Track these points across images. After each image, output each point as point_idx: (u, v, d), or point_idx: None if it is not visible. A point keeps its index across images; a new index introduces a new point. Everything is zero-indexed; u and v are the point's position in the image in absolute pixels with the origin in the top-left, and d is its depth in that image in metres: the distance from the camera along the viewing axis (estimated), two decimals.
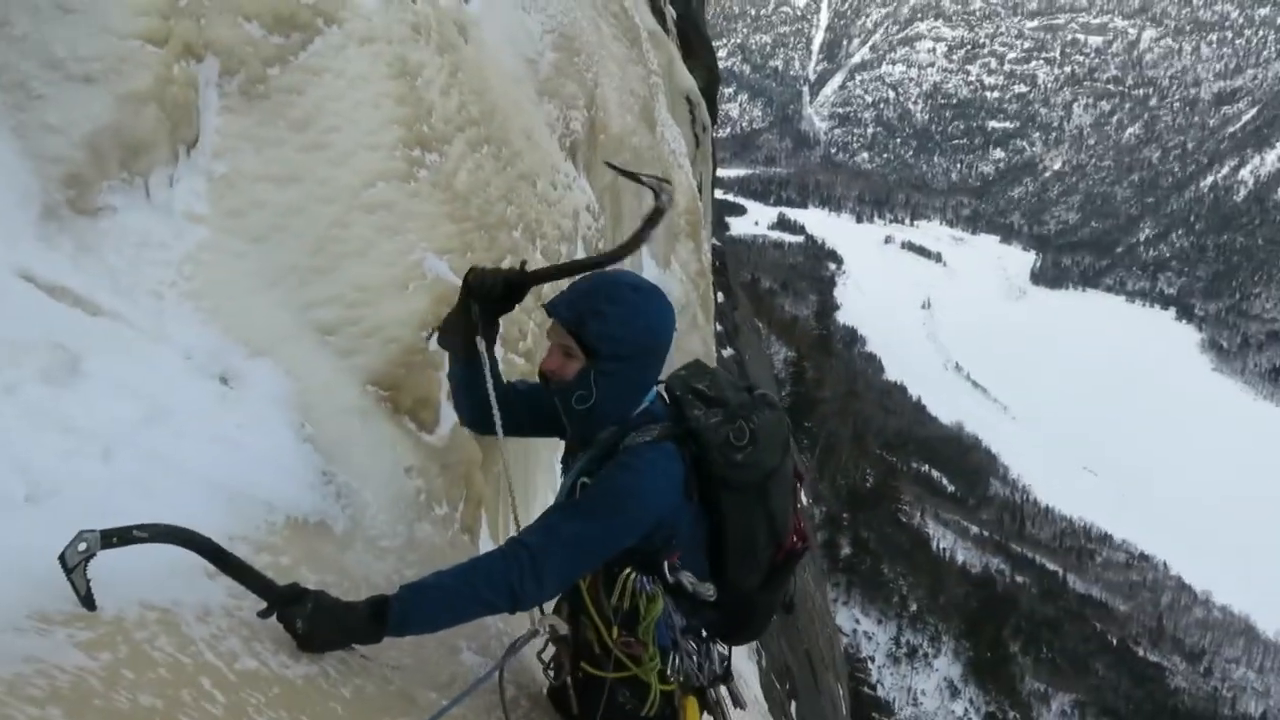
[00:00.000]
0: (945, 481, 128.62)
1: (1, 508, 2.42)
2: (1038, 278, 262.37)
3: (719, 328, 25.92)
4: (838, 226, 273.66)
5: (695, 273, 12.17)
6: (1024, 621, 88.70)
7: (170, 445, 2.97)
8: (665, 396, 2.98)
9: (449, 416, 4.24)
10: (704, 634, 3.11)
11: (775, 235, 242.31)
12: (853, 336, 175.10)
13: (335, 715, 2.37)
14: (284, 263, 3.79)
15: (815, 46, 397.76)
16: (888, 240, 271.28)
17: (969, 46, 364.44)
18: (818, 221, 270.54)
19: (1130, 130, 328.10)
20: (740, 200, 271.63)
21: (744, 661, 18.52)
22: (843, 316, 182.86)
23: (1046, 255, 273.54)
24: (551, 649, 3.11)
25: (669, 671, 2.97)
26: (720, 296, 27.70)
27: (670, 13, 19.27)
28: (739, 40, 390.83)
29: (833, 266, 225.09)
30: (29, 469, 2.56)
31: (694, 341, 11.98)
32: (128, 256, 3.41)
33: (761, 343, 62.75)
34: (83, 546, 2.16)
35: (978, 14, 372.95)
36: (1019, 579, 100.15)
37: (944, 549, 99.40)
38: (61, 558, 2.13)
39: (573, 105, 7.92)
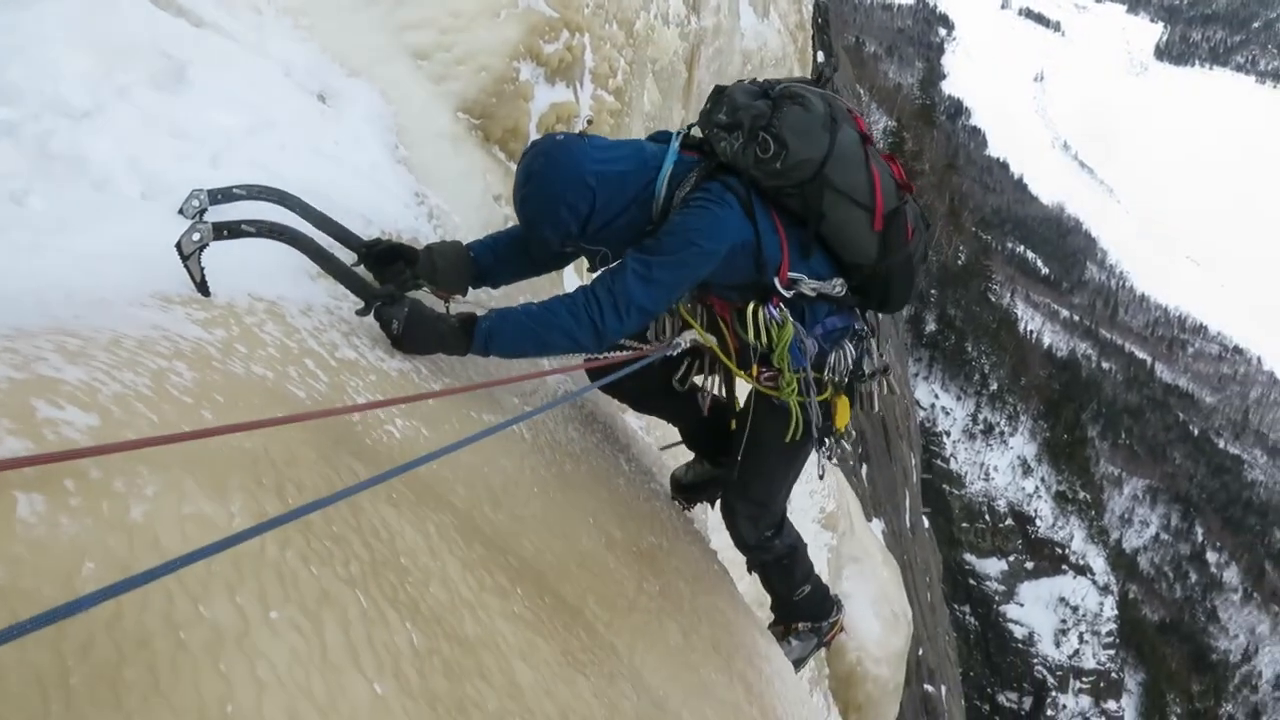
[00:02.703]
0: (1040, 263, 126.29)
1: (120, 202, 2.59)
2: (1162, 53, 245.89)
3: None
4: None
5: (794, 25, 11.74)
6: (1105, 407, 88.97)
7: (273, 156, 3.09)
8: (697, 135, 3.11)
9: None
10: (860, 332, 3.27)
11: None
12: (958, 108, 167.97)
13: (426, 405, 2.57)
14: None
15: None
16: (1004, 5, 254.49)
17: None
18: None
19: None
20: None
21: None
22: (949, 86, 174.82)
23: (1175, 28, 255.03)
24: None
25: (826, 374, 3.17)
26: (820, 56, 26.66)
27: None
28: None
29: (943, 32, 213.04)
30: (143, 168, 2.72)
31: None
32: None
33: (861, 109, 60.66)
34: (196, 236, 2.34)
35: None
36: (1105, 365, 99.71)
37: (1031, 331, 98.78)
38: (178, 245, 2.30)
39: None
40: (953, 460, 71.08)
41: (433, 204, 3.62)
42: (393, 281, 2.83)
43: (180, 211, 2.51)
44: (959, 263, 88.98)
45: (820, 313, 3.15)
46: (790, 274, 3.01)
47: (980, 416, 78.90)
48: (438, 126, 3.87)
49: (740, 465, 3.45)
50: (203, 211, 2.52)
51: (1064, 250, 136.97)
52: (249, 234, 2.50)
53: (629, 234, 2.94)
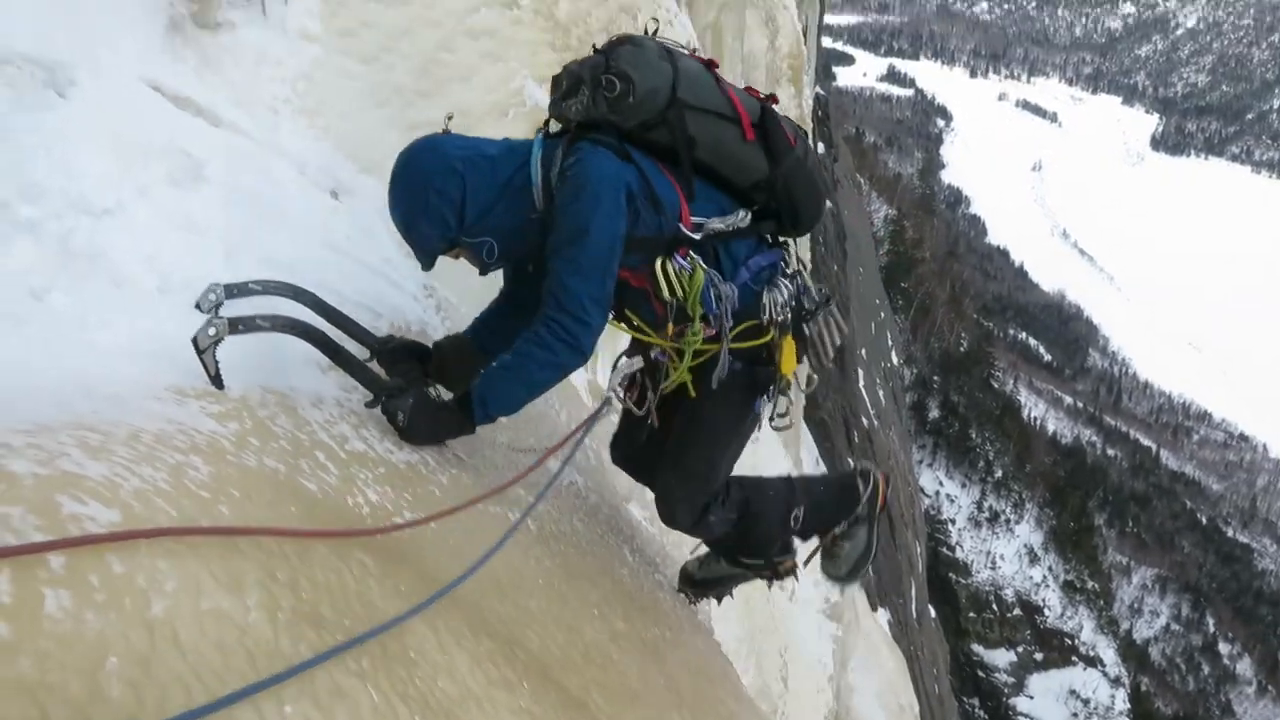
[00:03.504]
0: (1042, 350, 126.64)
1: (137, 296, 2.66)
2: (1159, 143, 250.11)
3: None
4: (950, 80, 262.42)
5: (795, 119, 11.98)
6: (1111, 494, 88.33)
7: (285, 250, 3.17)
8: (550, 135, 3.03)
9: None
10: (787, 269, 3.15)
11: (884, 88, 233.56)
12: (957, 197, 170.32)
13: (433, 497, 2.60)
14: (391, 84, 3.92)
15: None
16: (1001, 97, 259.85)
17: None
18: (929, 75, 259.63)
19: None
20: (849, 49, 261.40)
21: None
22: (948, 176, 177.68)
23: (1170, 119, 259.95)
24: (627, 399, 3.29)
25: (765, 315, 3.02)
26: (821, 147, 27.15)
27: None
28: None
29: (941, 123, 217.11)
30: (160, 264, 2.79)
31: None
32: (246, 71, 3.57)
33: (861, 198, 61.55)
34: (212, 331, 2.40)
35: None
36: (1110, 452, 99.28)
37: (1035, 418, 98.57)
38: (194, 340, 2.36)
39: None
40: (959, 548, 70.37)
41: (441, 296, 3.69)
42: (403, 378, 2.89)
43: (197, 305, 2.57)
44: (961, 349, 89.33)
45: (739, 252, 3.04)
46: (694, 218, 2.93)
47: (985, 504, 78.29)
48: None
49: (673, 436, 3.24)
50: (218, 305, 2.58)
51: (1066, 337, 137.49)
52: (263, 329, 2.56)
53: (512, 221, 2.88)
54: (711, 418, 3.19)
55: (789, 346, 3.08)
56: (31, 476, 1.38)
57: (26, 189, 2.77)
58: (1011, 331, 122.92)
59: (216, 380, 2.39)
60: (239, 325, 2.49)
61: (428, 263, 2.96)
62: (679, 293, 2.91)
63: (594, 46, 3.03)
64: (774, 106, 3.11)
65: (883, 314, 47.81)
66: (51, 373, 2.09)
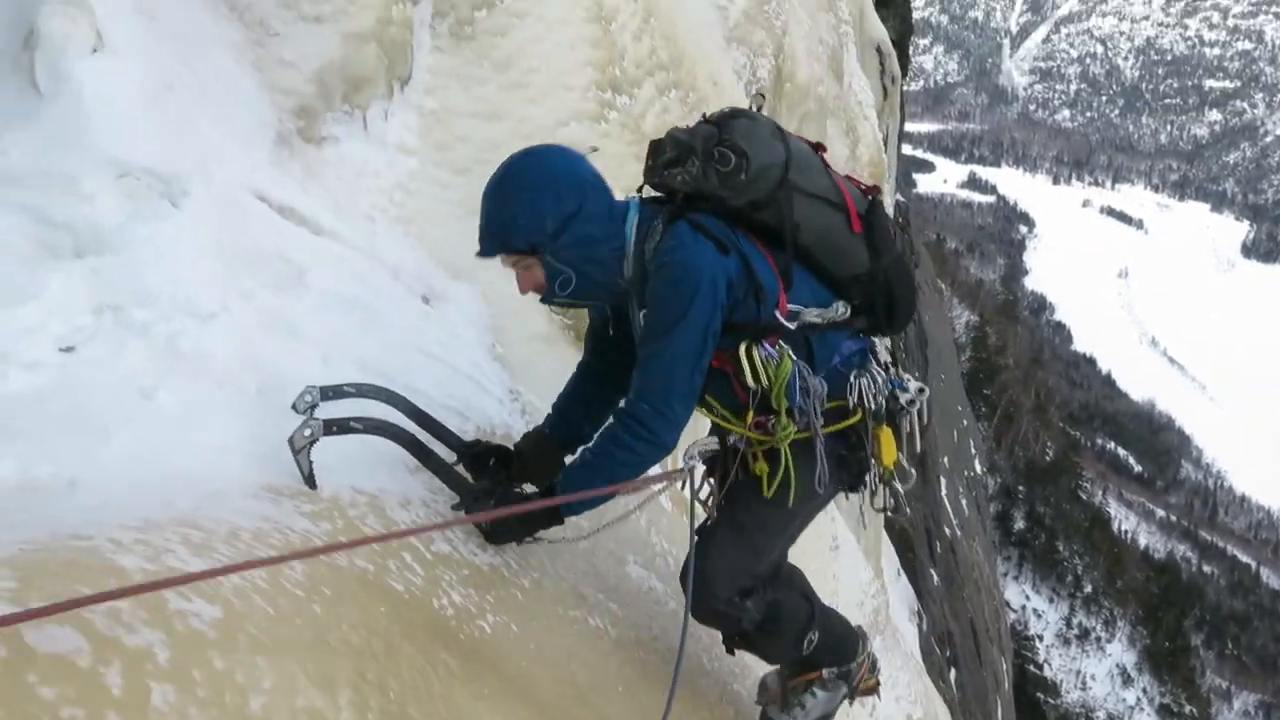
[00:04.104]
0: (1132, 461, 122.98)
1: (238, 397, 2.76)
2: (1249, 250, 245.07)
3: None
4: (1032, 187, 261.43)
5: None
6: (1209, 613, 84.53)
7: (379, 355, 3.28)
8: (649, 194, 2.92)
9: None
10: (878, 359, 3.06)
11: (964, 194, 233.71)
12: (1041, 303, 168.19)
13: (515, 600, 2.62)
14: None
15: None
16: (1085, 204, 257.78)
17: None
18: (1011, 181, 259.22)
19: None
20: (929, 156, 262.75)
21: (903, 622, 18.42)
22: (1031, 282, 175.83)
23: (1261, 226, 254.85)
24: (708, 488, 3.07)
25: (855, 399, 2.90)
26: None
27: None
28: None
29: (1024, 229, 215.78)
30: (261, 366, 2.90)
31: None
32: (347, 182, 3.74)
33: (943, 304, 61.19)
34: (308, 432, 2.49)
35: None
36: (1207, 568, 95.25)
37: (1126, 531, 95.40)
38: (290, 440, 2.45)
39: (760, 53, 7.99)
40: (1047, 666, 67.68)
41: (526, 400, 3.76)
42: (489, 481, 2.93)
43: (293, 407, 2.68)
44: (1047, 459, 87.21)
45: (833, 341, 2.92)
46: (790, 305, 2.80)
47: (1075, 620, 75.57)
48: (532, 327, 4.05)
49: (725, 511, 3.02)
50: (314, 407, 2.68)
51: (1157, 448, 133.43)
52: (356, 430, 2.64)
53: (599, 272, 2.76)
54: (778, 499, 2.95)
55: (887, 436, 2.96)
56: (140, 572, 1.44)
57: (139, 293, 2.92)
58: (1099, 441, 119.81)
59: (310, 480, 2.46)
60: (333, 427, 2.57)
61: (489, 250, 2.79)
62: (763, 381, 2.78)
63: (704, 115, 2.95)
64: (880, 198, 3.01)
65: (965, 421, 47.02)
66: (158, 469, 2.18)
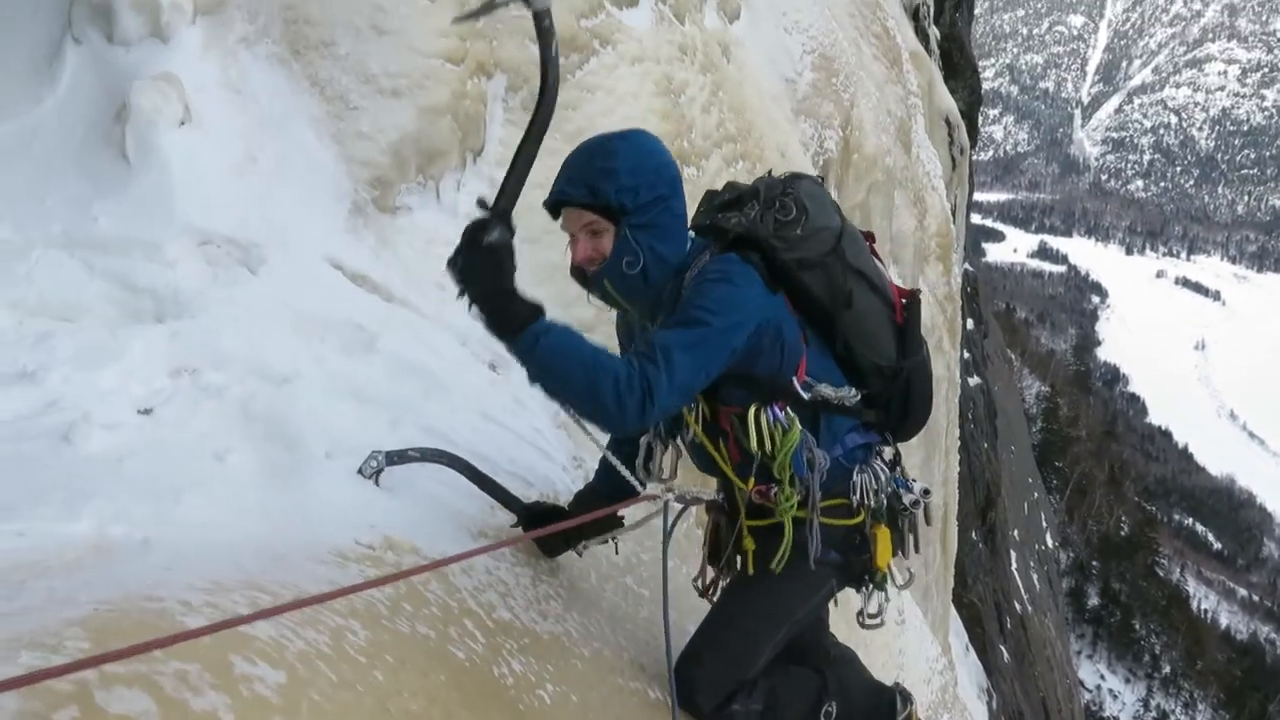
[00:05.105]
0: (1211, 537, 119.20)
1: (307, 460, 2.81)
2: None
3: (966, 355, 25.21)
4: (1104, 257, 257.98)
5: (943, 296, 11.98)
6: None
7: (446, 420, 3.32)
8: (698, 234, 2.77)
9: None
10: (883, 456, 2.89)
11: (1035, 264, 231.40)
12: (1114, 375, 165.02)
13: (575, 670, 2.61)
14: (551, 263, 4.11)
15: (1091, 68, 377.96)
16: (1160, 275, 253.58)
17: (1266, 70, 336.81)
18: (1082, 251, 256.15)
19: None
20: (999, 226, 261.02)
21: (972, 700, 17.91)
22: (1104, 353, 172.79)
23: None
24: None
25: (858, 499, 2.76)
26: (970, 323, 26.92)
27: (934, 33, 19.00)
28: (1008, 60, 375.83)
29: (1096, 300, 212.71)
30: (330, 430, 2.95)
31: (937, 366, 11.79)
32: (418, 250, 3.83)
33: (1012, 374, 60.29)
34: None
35: (1278, 35, 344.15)
36: None
37: (1205, 610, 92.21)
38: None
39: (828, 124, 8.04)
40: None
41: (589, 467, 3.77)
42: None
43: (359, 471, 2.75)
44: (1122, 534, 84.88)
45: (839, 428, 2.79)
46: (808, 375, 2.68)
47: (1153, 703, 72.87)
48: None
49: (716, 604, 2.93)
50: (379, 472, 2.77)
51: (1237, 524, 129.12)
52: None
53: (655, 271, 2.57)
54: (775, 590, 2.81)
55: (884, 536, 2.82)
56: (208, 636, 1.47)
57: (216, 357, 3.01)
58: (1177, 517, 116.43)
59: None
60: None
61: (573, 191, 2.58)
62: (767, 447, 2.65)
63: (769, 173, 2.90)
64: (915, 300, 2.94)
65: (1036, 494, 46.04)
66: (228, 531, 2.22)
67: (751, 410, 2.64)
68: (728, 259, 2.57)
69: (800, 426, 2.67)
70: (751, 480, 2.73)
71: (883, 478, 2.83)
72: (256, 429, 2.82)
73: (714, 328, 2.44)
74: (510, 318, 2.31)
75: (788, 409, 2.67)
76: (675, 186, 2.61)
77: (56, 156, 3.43)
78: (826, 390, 2.71)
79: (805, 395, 2.68)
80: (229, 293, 3.28)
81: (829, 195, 2.81)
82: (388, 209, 3.79)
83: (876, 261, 2.85)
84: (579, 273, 2.69)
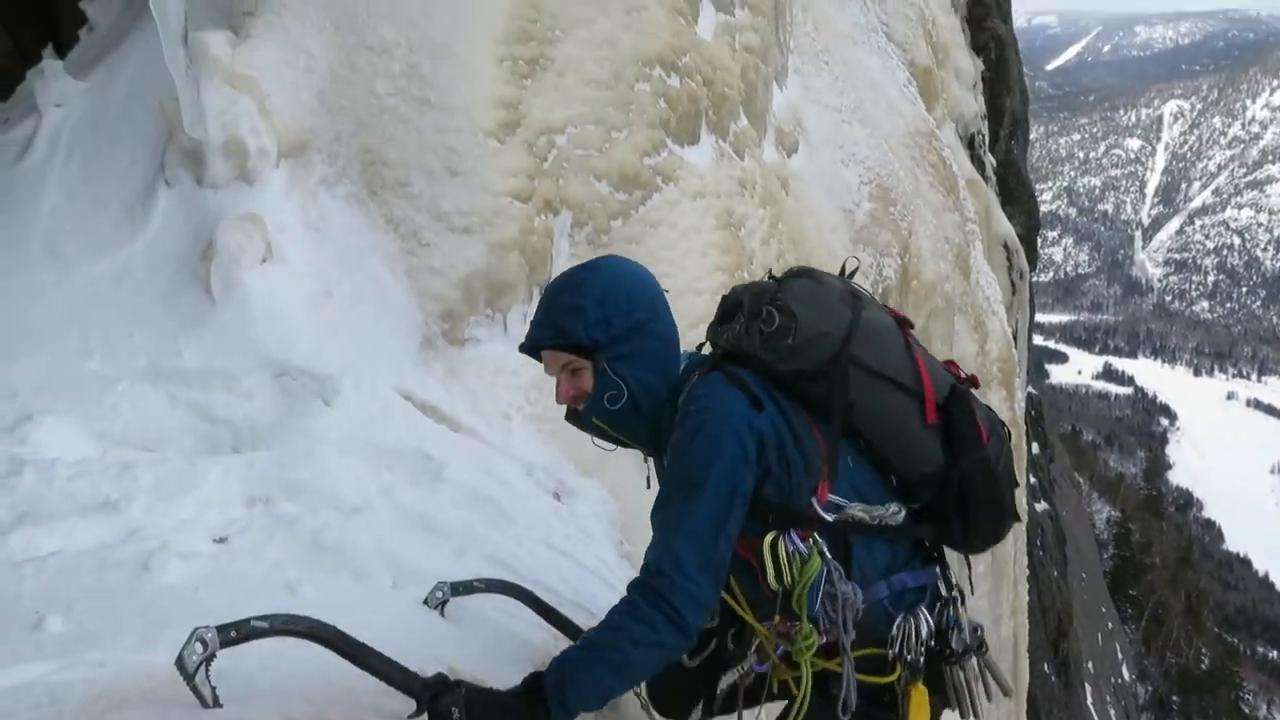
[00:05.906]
0: None
1: (374, 590, 2.86)
2: None
3: (1032, 480, 24.74)
4: (1171, 379, 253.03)
5: (1007, 422, 11.85)
6: None
7: (510, 550, 3.35)
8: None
9: None
10: (944, 596, 2.55)
11: (1100, 385, 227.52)
12: (1187, 499, 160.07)
13: None
14: None
15: (1150, 190, 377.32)
16: (1230, 396, 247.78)
17: None
18: (1148, 373, 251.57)
19: None
20: (1062, 347, 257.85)
21: None
22: (1176, 477, 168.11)
23: None
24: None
25: (896, 651, 2.40)
26: (1035, 448, 26.49)
27: (990, 160, 19.21)
28: (1065, 183, 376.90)
29: (1165, 422, 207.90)
30: (397, 560, 3.00)
31: None
32: (485, 381, 3.92)
33: (1081, 499, 58.91)
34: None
35: None
36: None
37: None
38: (179, 661, 1.91)
39: (886, 253, 8.14)
40: None
41: None
42: None
43: (425, 602, 2.77)
44: (1203, 667, 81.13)
45: (879, 556, 2.43)
46: (831, 495, 2.37)
47: None
48: None
49: None
50: (444, 603, 2.77)
51: None
52: (263, 632, 2.08)
53: (645, 401, 2.43)
54: None
55: (919, 697, 2.42)
56: None
57: (289, 487, 3.09)
58: (1260, 649, 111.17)
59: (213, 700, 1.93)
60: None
61: (542, 337, 2.49)
62: (786, 581, 2.34)
63: (769, 272, 2.68)
64: (973, 390, 2.61)
65: (1110, 624, 44.47)
66: (299, 665, 2.25)
67: (768, 540, 2.35)
68: (709, 381, 2.37)
69: (825, 556, 2.35)
70: (776, 617, 2.39)
71: (927, 628, 2.44)
72: (327, 559, 2.88)
73: (707, 487, 2.23)
74: (535, 713, 2.12)
75: (814, 537, 2.36)
76: (655, 309, 2.47)
77: (146, 292, 3.60)
78: (857, 511, 2.40)
79: (829, 518, 2.37)
80: (304, 424, 3.38)
81: (836, 289, 2.52)
82: (457, 341, 3.91)
83: (911, 352, 2.52)
84: (572, 414, 2.58)
